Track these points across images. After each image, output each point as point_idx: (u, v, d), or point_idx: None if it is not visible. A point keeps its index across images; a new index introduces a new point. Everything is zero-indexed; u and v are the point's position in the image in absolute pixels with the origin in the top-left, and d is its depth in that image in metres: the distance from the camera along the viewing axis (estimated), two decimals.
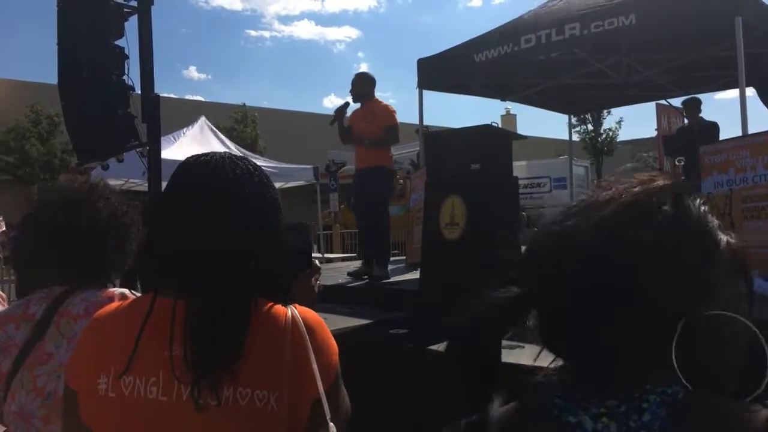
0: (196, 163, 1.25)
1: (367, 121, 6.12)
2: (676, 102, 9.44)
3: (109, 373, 1.11)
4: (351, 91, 6.31)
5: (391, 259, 6.67)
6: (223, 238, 1.16)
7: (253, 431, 1.12)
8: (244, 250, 1.17)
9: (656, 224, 0.74)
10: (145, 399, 1.09)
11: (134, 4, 4.90)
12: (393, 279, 5.89)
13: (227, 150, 1.36)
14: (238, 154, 1.36)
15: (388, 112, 6.17)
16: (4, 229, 2.20)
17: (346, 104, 6.33)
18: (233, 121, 27.53)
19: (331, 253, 14.11)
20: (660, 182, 0.80)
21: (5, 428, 1.58)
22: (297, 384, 1.14)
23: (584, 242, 0.75)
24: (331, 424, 1.23)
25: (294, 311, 1.20)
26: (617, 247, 0.73)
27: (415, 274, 5.69)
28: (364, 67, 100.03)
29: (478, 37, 7.18)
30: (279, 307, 1.19)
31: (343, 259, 12.19)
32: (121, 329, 1.15)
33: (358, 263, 6.90)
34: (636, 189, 0.79)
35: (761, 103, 7.40)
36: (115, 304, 1.24)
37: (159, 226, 1.24)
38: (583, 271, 0.74)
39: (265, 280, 1.19)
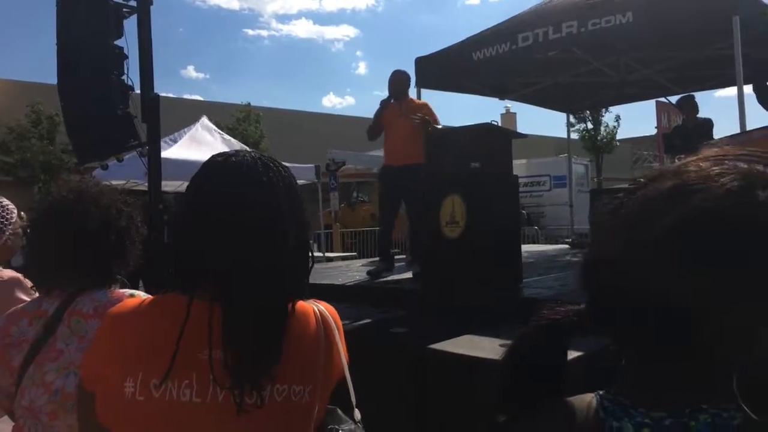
0: (226, 164, 1.21)
1: (403, 116, 5.97)
2: (675, 99, 9.45)
3: (137, 376, 1.08)
4: (391, 88, 6.18)
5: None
6: (259, 242, 1.14)
7: (288, 424, 1.15)
8: (280, 253, 1.15)
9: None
10: (177, 402, 1.08)
11: (133, 4, 4.90)
12: (392, 278, 5.90)
13: (247, 149, 1.31)
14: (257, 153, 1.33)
15: (429, 109, 6.09)
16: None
17: (390, 99, 6.20)
18: (235, 120, 27.46)
19: (332, 252, 14.11)
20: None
21: (15, 423, 1.61)
22: (328, 374, 1.21)
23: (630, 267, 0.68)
24: (356, 409, 1.32)
25: (319, 307, 1.25)
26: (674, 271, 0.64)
27: None
28: (362, 66, 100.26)
29: (475, 35, 7.19)
30: (304, 304, 1.23)
31: (343, 258, 12.20)
32: (147, 331, 1.13)
33: (358, 263, 6.86)
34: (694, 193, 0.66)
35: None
36: (131, 303, 1.20)
37: (188, 230, 1.19)
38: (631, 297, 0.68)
39: (294, 280, 1.20)
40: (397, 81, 6.20)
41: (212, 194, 1.18)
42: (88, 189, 1.80)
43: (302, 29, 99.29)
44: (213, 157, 1.25)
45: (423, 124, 5.77)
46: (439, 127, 5.98)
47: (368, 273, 5.99)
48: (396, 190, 6.14)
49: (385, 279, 5.82)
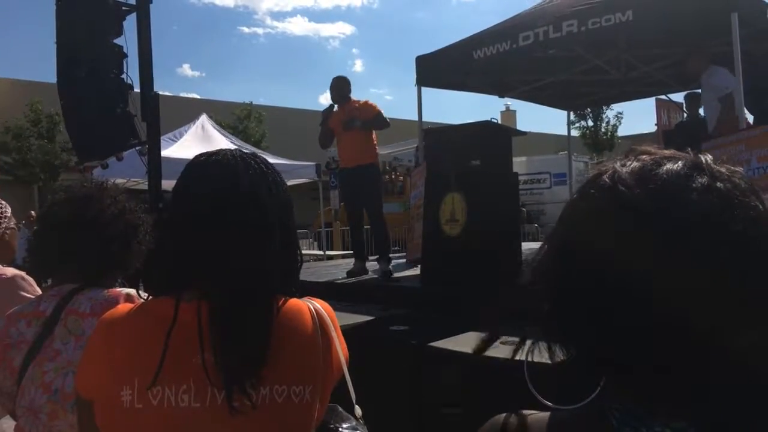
0: (207, 164, 1.20)
1: (343, 122, 6.25)
2: (675, 97, 9.44)
3: (134, 384, 1.07)
4: (333, 94, 6.45)
5: (391, 255, 6.66)
6: (243, 241, 1.13)
7: (290, 425, 1.14)
8: (264, 252, 1.15)
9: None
10: (176, 408, 1.07)
11: (132, 2, 4.90)
12: (393, 275, 5.90)
13: (236, 147, 1.31)
14: (247, 150, 1.31)
15: (369, 106, 6.35)
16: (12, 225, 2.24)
17: (332, 107, 6.44)
18: (236, 118, 27.46)
19: (332, 250, 14.12)
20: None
21: (16, 423, 1.62)
22: (328, 373, 1.19)
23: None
24: (357, 406, 1.31)
25: (315, 304, 1.23)
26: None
27: (416, 271, 5.70)
28: (359, 64, 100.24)
29: (476, 34, 7.19)
30: (298, 302, 1.21)
31: (343, 256, 12.20)
32: (139, 337, 1.12)
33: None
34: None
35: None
36: (123, 309, 1.20)
37: (173, 229, 1.20)
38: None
39: (282, 278, 1.19)
40: (336, 87, 6.46)
41: (194, 195, 1.19)
42: (106, 185, 1.84)
43: (297, 27, 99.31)
44: (196, 157, 1.24)
45: (362, 126, 6.11)
46: (379, 113, 6.24)
47: (348, 273, 6.17)
48: (353, 190, 6.39)
49: (383, 277, 5.82)
